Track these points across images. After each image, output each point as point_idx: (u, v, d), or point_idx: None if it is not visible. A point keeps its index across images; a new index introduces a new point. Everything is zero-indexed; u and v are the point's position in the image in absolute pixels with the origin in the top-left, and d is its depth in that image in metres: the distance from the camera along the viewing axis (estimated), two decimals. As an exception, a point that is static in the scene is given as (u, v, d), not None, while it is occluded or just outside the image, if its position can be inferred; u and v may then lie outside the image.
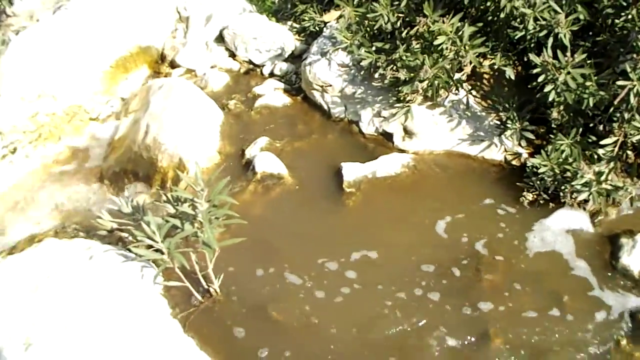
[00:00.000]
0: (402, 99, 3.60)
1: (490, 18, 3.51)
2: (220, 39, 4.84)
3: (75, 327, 2.58)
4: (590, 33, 3.39)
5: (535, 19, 3.17)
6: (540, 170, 3.11)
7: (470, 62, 3.39)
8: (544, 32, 3.16)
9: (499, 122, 3.58)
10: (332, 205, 3.35)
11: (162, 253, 2.63)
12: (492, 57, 3.49)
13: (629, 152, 3.27)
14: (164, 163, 3.66)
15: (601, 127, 3.26)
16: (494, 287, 2.86)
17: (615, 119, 3.14)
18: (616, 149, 3.12)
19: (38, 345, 2.51)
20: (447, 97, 3.63)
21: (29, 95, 4.26)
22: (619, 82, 2.89)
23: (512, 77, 3.45)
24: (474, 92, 3.68)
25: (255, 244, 3.02)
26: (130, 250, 2.91)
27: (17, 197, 4.05)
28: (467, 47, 3.32)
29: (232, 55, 4.77)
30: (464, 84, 3.61)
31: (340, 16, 4.05)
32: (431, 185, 3.45)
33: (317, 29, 4.53)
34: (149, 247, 2.66)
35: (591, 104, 3.01)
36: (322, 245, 3.11)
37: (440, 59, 3.35)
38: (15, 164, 4.16)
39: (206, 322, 2.80)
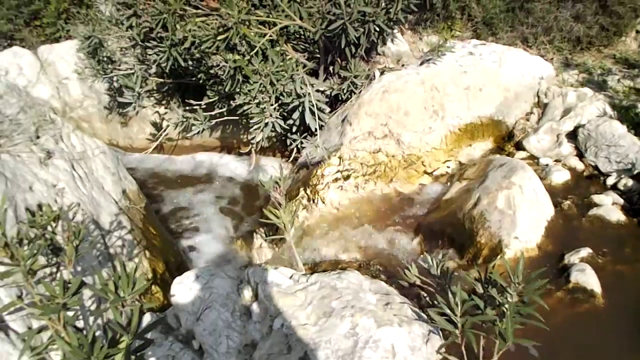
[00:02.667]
0: None
1: None
2: (572, 135, 5.68)
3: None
4: None
5: None
6: None
7: None
8: None
9: None
10: (635, 342, 3.68)
11: (456, 327, 3.09)
12: None
13: None
14: (483, 239, 4.50)
15: None
16: None
17: None
18: None
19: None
20: None
21: (377, 132, 5.54)
22: None
23: None
24: None
25: (543, 351, 3.44)
26: (423, 311, 3.57)
27: (336, 220, 5.28)
28: None
29: (580, 155, 5.56)
30: None
31: None
32: None
33: (677, 153, 5.02)
34: (442, 314, 3.23)
35: None
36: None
37: None
38: (344, 190, 5.42)
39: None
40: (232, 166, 7.19)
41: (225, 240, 6.06)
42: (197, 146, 7.51)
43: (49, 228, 3.40)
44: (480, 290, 3.19)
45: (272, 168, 6.86)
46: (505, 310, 2.97)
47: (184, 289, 3.99)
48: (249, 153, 6.92)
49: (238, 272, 4.11)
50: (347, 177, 5.52)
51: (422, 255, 4.78)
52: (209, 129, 6.73)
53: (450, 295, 3.14)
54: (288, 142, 6.36)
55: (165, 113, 7.39)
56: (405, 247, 4.99)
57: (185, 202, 6.74)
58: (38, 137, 4.90)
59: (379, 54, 6.72)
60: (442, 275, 3.81)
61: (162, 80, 6.69)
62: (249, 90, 5.59)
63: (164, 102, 7.30)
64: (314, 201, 5.45)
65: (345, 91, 6.14)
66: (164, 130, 7.25)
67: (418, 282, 4.04)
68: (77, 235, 3.40)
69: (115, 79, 6.95)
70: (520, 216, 4.54)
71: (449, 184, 5.55)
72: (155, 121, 7.54)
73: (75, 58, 7.75)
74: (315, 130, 5.82)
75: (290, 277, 4.01)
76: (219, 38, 5.32)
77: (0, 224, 3.09)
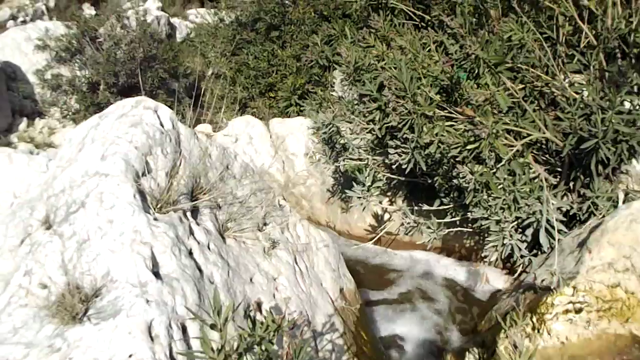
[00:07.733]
0: None
1: None
2: None
3: None
4: None
5: None
6: None
7: None
8: None
9: None
10: None
11: None
12: None
13: None
14: None
15: None
16: None
17: None
18: None
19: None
20: None
21: (617, 264, 5.16)
22: None
23: None
24: None
25: None
26: None
27: (561, 357, 5.02)
28: None
29: None
30: None
31: None
32: None
33: None
34: None
35: None
36: None
37: None
38: (574, 324, 5.09)
39: None
40: (451, 271, 7.06)
41: (434, 351, 5.93)
42: (416, 244, 7.48)
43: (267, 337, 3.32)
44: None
45: (492, 280, 6.71)
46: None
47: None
48: (471, 261, 6.82)
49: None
50: (578, 311, 5.18)
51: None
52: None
53: None
54: (514, 256, 6.16)
55: (388, 207, 7.47)
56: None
57: (395, 301, 6.70)
58: (265, 225, 5.00)
59: (622, 172, 6.40)
60: None
61: (391, 175, 6.76)
62: (489, 205, 5.44)
63: (389, 194, 7.38)
64: (538, 331, 5.19)
65: (584, 211, 5.87)
66: (386, 225, 7.32)
67: None
68: (297, 354, 3.26)
69: (342, 163, 7.10)
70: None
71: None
72: (377, 213, 7.64)
73: (304, 136, 8.07)
74: (548, 249, 5.60)
75: None
76: (467, 147, 5.27)
77: (222, 335, 3.00)
